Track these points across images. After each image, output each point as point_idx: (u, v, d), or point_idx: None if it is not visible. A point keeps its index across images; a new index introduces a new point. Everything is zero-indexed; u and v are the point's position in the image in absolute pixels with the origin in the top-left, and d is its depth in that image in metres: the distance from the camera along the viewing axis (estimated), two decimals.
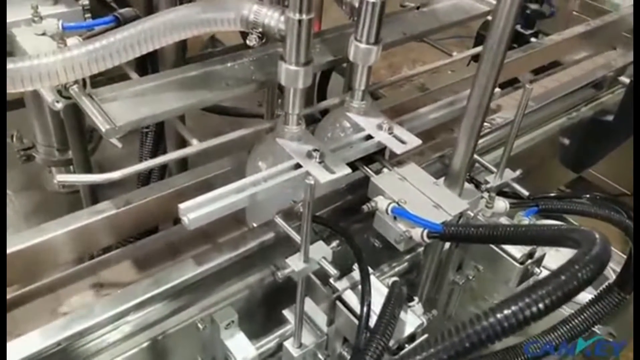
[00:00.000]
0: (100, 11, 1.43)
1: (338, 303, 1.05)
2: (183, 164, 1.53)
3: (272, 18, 1.08)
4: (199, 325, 1.06)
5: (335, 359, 1.12)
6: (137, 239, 1.25)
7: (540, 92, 1.79)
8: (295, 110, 1.10)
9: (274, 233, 1.11)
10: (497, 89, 1.12)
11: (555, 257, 1.17)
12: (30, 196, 1.84)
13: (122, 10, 1.30)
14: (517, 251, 1.16)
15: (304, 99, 1.10)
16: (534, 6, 2.12)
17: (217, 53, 2.18)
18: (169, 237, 1.22)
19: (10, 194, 1.82)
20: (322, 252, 1.01)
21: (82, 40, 1.14)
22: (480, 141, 1.14)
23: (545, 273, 1.19)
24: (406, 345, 1.00)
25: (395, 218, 1.09)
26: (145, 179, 1.62)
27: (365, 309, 0.98)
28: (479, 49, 1.44)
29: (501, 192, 1.29)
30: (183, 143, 1.41)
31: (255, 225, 1.16)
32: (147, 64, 1.47)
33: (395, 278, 1.09)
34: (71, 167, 1.70)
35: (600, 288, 0.99)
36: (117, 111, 1.07)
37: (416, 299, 1.08)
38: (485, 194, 1.22)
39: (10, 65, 0.97)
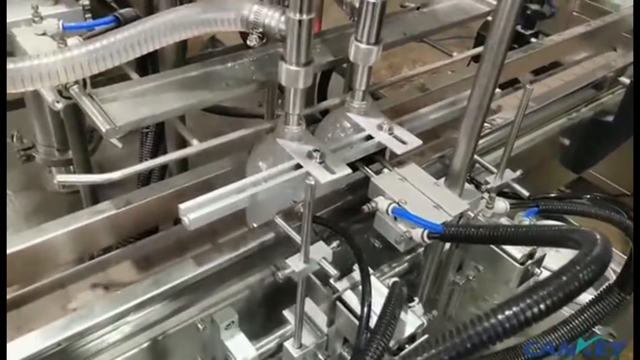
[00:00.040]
0: (101, 11, 1.43)
1: (338, 303, 1.05)
2: (183, 164, 1.53)
3: (272, 18, 1.08)
4: (199, 325, 1.06)
5: (335, 359, 1.12)
6: (137, 239, 1.25)
7: (541, 92, 1.79)
8: (296, 110, 1.10)
9: (274, 233, 1.11)
10: (498, 90, 1.12)
11: (555, 258, 1.17)
12: (30, 196, 1.84)
13: (122, 11, 1.30)
14: (517, 252, 1.16)
15: (304, 99, 1.10)
16: (534, 6, 2.12)
17: (217, 53, 2.18)
18: (169, 238, 1.22)
19: (10, 194, 1.82)
20: (322, 252, 1.01)
21: (82, 41, 1.14)
22: (480, 142, 1.14)
23: (545, 273, 1.19)
24: (406, 346, 1.00)
25: (395, 218, 1.09)
26: (145, 179, 1.62)
27: (365, 309, 0.98)
28: (479, 49, 1.44)
29: (501, 192, 1.28)
30: (183, 143, 1.41)
31: (255, 225, 1.16)
32: (148, 64, 1.47)
33: (395, 278, 1.08)
34: (71, 167, 1.70)
35: (601, 289, 0.99)
36: (117, 111, 1.07)
37: (416, 299, 1.08)
38: (486, 195, 1.22)
39: (10, 65, 0.97)
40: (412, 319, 1.03)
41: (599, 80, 1.92)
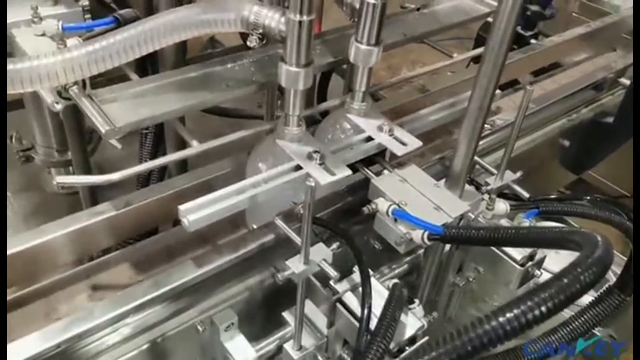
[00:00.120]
0: (100, 12, 1.42)
1: (338, 305, 1.05)
2: (183, 166, 1.53)
3: (272, 19, 1.08)
4: (199, 327, 1.06)
5: None
6: (136, 241, 1.24)
7: (541, 93, 1.79)
8: (296, 111, 1.10)
9: (274, 235, 1.11)
10: (497, 91, 1.12)
11: (555, 259, 1.17)
12: (29, 197, 1.84)
13: (122, 11, 1.30)
14: (517, 253, 1.16)
15: (304, 100, 1.10)
16: (534, 7, 2.12)
17: (216, 54, 2.18)
18: (168, 239, 1.22)
19: (9, 195, 1.82)
20: (322, 254, 1.01)
21: (82, 41, 1.14)
22: (480, 143, 1.14)
23: (545, 275, 1.19)
24: (407, 348, 1.00)
25: (395, 220, 1.09)
26: (144, 180, 1.61)
27: (366, 311, 0.98)
28: (479, 50, 1.44)
29: (501, 193, 1.28)
30: (183, 144, 1.41)
31: (255, 226, 1.15)
32: (147, 65, 1.47)
33: (395, 280, 1.08)
34: (70, 168, 1.70)
35: (601, 290, 0.99)
36: (117, 112, 1.07)
37: (416, 301, 1.08)
38: (486, 196, 1.22)
39: (9, 66, 0.97)
40: (412, 321, 1.02)
41: (599, 82, 1.92)
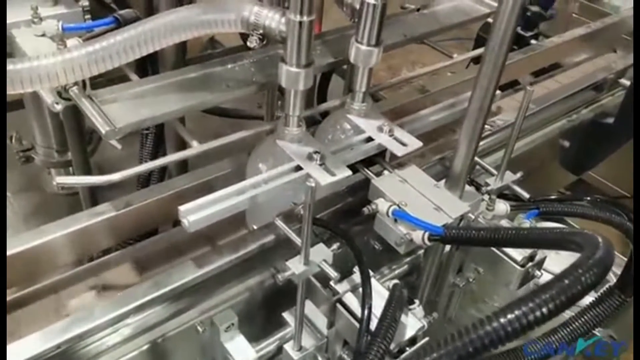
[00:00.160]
0: (100, 12, 1.42)
1: (338, 306, 1.05)
2: (183, 166, 1.53)
3: (272, 20, 1.08)
4: (199, 327, 1.06)
5: None
6: (136, 241, 1.24)
7: (541, 94, 1.79)
8: (296, 112, 1.10)
9: (274, 235, 1.11)
10: (498, 91, 1.12)
11: (555, 260, 1.17)
12: (29, 198, 1.83)
13: (122, 12, 1.30)
14: (517, 254, 1.16)
15: (304, 100, 1.10)
16: (534, 8, 2.12)
17: (216, 54, 2.18)
18: (168, 240, 1.22)
19: (9, 196, 1.81)
20: (322, 254, 1.01)
21: (82, 42, 1.14)
22: (480, 143, 1.14)
23: (546, 276, 1.19)
24: (407, 349, 1.00)
25: (395, 220, 1.09)
26: (145, 180, 1.61)
27: (366, 312, 0.98)
28: (479, 50, 1.43)
29: (502, 194, 1.28)
30: (183, 145, 1.41)
31: (255, 227, 1.15)
32: (147, 66, 1.47)
33: (395, 281, 1.08)
34: (70, 168, 1.70)
35: (601, 291, 0.99)
36: (117, 113, 1.07)
37: (417, 301, 1.07)
38: (486, 197, 1.22)
39: (9, 67, 0.97)
40: (412, 322, 1.02)
41: (599, 82, 1.92)
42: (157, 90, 1.16)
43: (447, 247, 1.24)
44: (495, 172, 1.28)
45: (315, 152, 1.08)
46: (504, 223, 1.20)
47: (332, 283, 1.04)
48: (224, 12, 1.09)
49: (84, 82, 1.07)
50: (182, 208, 0.96)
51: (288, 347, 1.06)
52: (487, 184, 1.26)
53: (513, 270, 1.16)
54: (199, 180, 1.21)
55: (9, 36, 1.24)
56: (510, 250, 1.16)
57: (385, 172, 1.20)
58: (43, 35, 1.23)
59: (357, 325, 0.99)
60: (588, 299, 0.97)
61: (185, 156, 1.21)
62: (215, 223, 0.99)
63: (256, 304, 1.15)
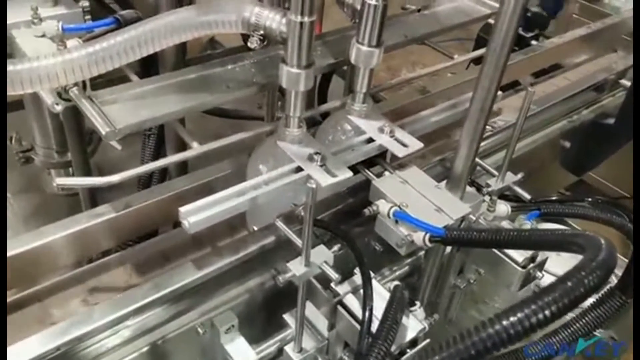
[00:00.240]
0: (100, 13, 1.42)
1: (339, 307, 1.05)
2: (183, 167, 1.52)
3: (273, 20, 1.08)
4: (199, 329, 1.06)
5: None
6: (136, 243, 1.24)
7: (541, 95, 1.78)
8: (297, 112, 1.10)
9: (274, 237, 1.10)
10: (499, 92, 1.12)
11: (557, 261, 1.17)
12: (29, 199, 1.83)
13: (122, 12, 1.29)
14: (519, 255, 1.16)
15: (305, 101, 1.10)
16: (535, 9, 2.12)
17: (216, 55, 2.18)
18: (169, 241, 1.21)
19: (9, 197, 1.81)
20: (323, 256, 1.00)
21: (82, 42, 1.13)
22: (481, 144, 1.13)
23: (547, 277, 1.19)
24: (408, 350, 1.00)
25: (396, 222, 1.08)
26: (146, 181, 1.61)
27: (367, 313, 0.98)
28: (481, 51, 1.43)
29: (503, 195, 1.28)
30: (183, 146, 1.41)
31: (255, 228, 1.15)
32: (148, 66, 1.47)
33: (396, 282, 1.08)
34: (70, 169, 1.70)
35: (602, 292, 0.99)
36: (117, 114, 1.06)
37: (418, 303, 1.07)
38: (487, 198, 1.22)
39: (9, 67, 0.97)
40: (413, 323, 1.02)
41: (599, 83, 1.92)
42: (158, 91, 1.15)
43: (448, 249, 1.24)
44: (496, 173, 1.28)
45: (316, 153, 1.08)
46: (505, 224, 1.20)
47: (332, 284, 1.04)
48: (225, 13, 1.08)
49: (84, 82, 1.07)
50: (182, 209, 0.95)
51: (288, 348, 1.06)
52: (488, 185, 1.26)
53: (514, 272, 1.16)
54: (199, 182, 1.20)
55: (8, 37, 1.23)
56: (511, 252, 1.16)
57: (386, 173, 1.19)
58: (43, 35, 1.23)
59: (358, 327, 0.99)
60: (589, 300, 0.97)
61: (185, 157, 1.21)
62: (215, 224, 0.99)
63: (256, 305, 1.15)
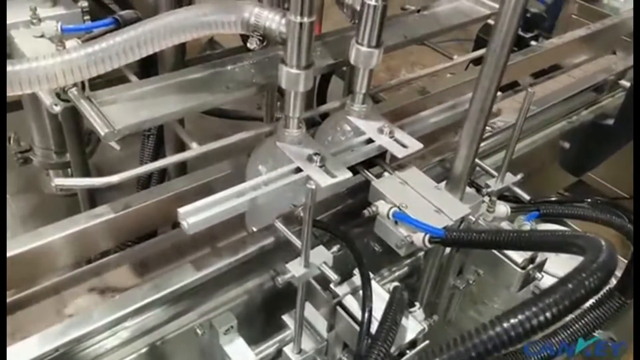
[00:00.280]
0: (99, 13, 1.42)
1: (338, 308, 1.04)
2: (182, 168, 1.52)
3: (273, 21, 1.08)
4: (198, 330, 1.05)
5: None
6: (135, 243, 1.24)
7: (541, 95, 1.78)
8: (296, 113, 1.09)
9: (274, 237, 1.10)
10: (498, 93, 1.12)
11: (556, 262, 1.17)
12: (27, 199, 1.83)
13: (121, 12, 1.29)
14: (518, 256, 1.16)
15: (304, 102, 1.10)
16: (534, 9, 2.11)
17: (216, 55, 2.17)
18: (167, 242, 1.21)
19: (7, 197, 1.81)
20: (322, 257, 1.00)
21: (81, 43, 1.13)
22: (481, 145, 1.13)
23: (546, 278, 1.19)
24: (407, 352, 1.00)
25: (396, 222, 1.08)
26: (145, 182, 1.61)
27: (366, 314, 0.97)
28: (481, 52, 1.43)
29: (502, 196, 1.28)
30: (182, 146, 1.40)
31: (255, 229, 1.15)
32: (147, 67, 1.46)
33: (396, 283, 1.08)
34: (69, 170, 1.70)
35: (601, 293, 0.99)
36: (116, 114, 1.06)
37: (417, 304, 1.07)
38: (487, 198, 1.22)
39: (8, 68, 0.96)
40: (413, 324, 1.02)
41: (599, 84, 1.91)
42: (157, 92, 1.15)
43: (448, 249, 1.24)
44: (495, 173, 1.28)
45: (316, 154, 1.08)
46: (505, 225, 1.20)
47: (332, 285, 1.04)
48: (224, 14, 1.08)
49: (82, 83, 1.06)
50: (181, 210, 0.95)
51: (288, 350, 1.05)
52: (487, 186, 1.25)
53: (514, 273, 1.16)
54: (198, 182, 1.20)
55: (7, 37, 1.23)
56: (510, 253, 1.16)
57: (386, 173, 1.19)
58: (42, 36, 1.23)
59: (358, 328, 0.98)
60: (588, 301, 0.97)
61: (184, 158, 1.21)
62: (214, 225, 0.98)
63: (255, 306, 1.15)
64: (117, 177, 1.07)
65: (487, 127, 1.18)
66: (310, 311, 1.08)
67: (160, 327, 1.02)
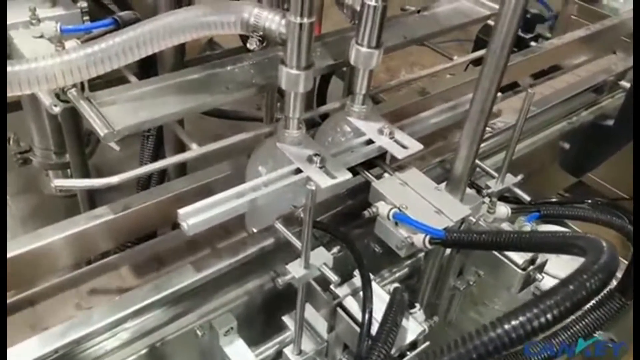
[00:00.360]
0: (99, 14, 1.42)
1: (339, 309, 1.04)
2: (182, 169, 1.52)
3: (272, 21, 1.08)
4: (198, 331, 1.05)
5: None
6: (135, 244, 1.23)
7: (541, 96, 1.78)
8: (296, 114, 1.09)
9: (274, 239, 1.10)
10: (499, 93, 1.11)
11: (556, 263, 1.17)
12: (27, 200, 1.82)
13: (121, 13, 1.29)
14: (519, 257, 1.15)
15: (304, 102, 1.09)
16: (534, 10, 2.11)
17: (215, 56, 2.17)
18: (168, 243, 1.21)
19: (7, 198, 1.80)
20: (322, 258, 1.00)
21: (80, 43, 1.13)
22: (481, 146, 1.13)
23: (547, 279, 1.19)
24: (408, 353, 0.99)
25: (396, 224, 1.08)
26: (145, 183, 1.60)
27: (367, 316, 0.97)
28: (481, 52, 1.43)
29: (502, 197, 1.28)
30: (182, 147, 1.40)
31: (255, 230, 1.15)
32: (146, 67, 1.46)
33: (396, 284, 1.08)
34: (68, 170, 1.69)
35: (602, 294, 0.98)
36: (116, 115, 1.06)
37: (417, 305, 1.07)
38: (487, 199, 1.22)
39: (7, 69, 0.96)
40: (413, 326, 1.02)
41: (599, 84, 1.92)
42: (156, 92, 1.15)
43: (448, 250, 1.24)
44: (495, 174, 1.28)
45: (316, 155, 1.07)
46: (505, 226, 1.20)
47: (332, 287, 1.04)
48: (224, 14, 1.08)
49: (82, 84, 1.06)
50: (181, 211, 0.95)
51: (288, 351, 1.05)
52: (487, 187, 1.25)
53: (514, 274, 1.16)
54: (198, 183, 1.20)
55: (6, 37, 1.23)
56: (511, 254, 1.16)
57: (386, 174, 1.19)
58: (41, 36, 1.22)
59: (358, 329, 0.98)
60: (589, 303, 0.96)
61: (184, 159, 1.21)
62: (214, 226, 0.98)
63: (255, 307, 1.15)
64: (116, 178, 1.07)
65: (487, 128, 1.18)
66: (310, 312, 1.08)
67: (160, 328, 1.02)
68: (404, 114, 1.45)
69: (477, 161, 1.21)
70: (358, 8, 1.11)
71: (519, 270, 1.15)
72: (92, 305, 1.07)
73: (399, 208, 1.08)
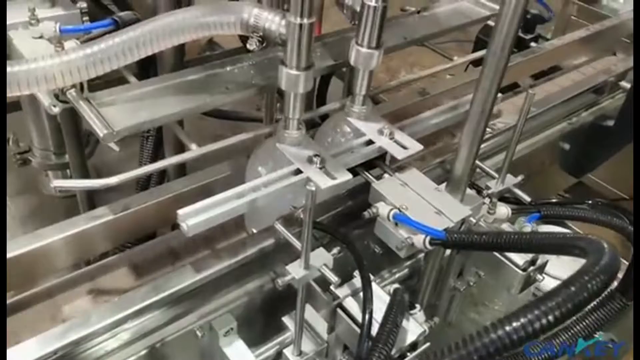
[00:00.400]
0: (98, 14, 1.41)
1: (339, 310, 1.04)
2: (181, 169, 1.52)
3: (272, 22, 1.07)
4: (198, 332, 1.05)
5: None
6: (134, 245, 1.23)
7: (541, 97, 1.78)
8: (296, 114, 1.09)
9: (273, 239, 1.10)
10: (499, 94, 1.11)
11: (557, 264, 1.17)
12: (26, 200, 1.82)
13: (120, 13, 1.29)
14: (519, 258, 1.15)
15: (304, 103, 1.09)
16: (534, 11, 2.11)
17: (215, 56, 2.17)
18: (167, 243, 1.21)
19: (6, 199, 1.80)
20: (322, 258, 1.00)
21: (79, 44, 1.13)
22: (481, 146, 1.13)
23: (547, 280, 1.19)
24: (408, 354, 0.99)
25: (396, 224, 1.08)
26: (144, 183, 1.60)
27: (367, 316, 0.97)
28: (480, 53, 1.43)
29: (503, 197, 1.27)
30: (181, 147, 1.40)
31: (254, 231, 1.14)
32: (146, 68, 1.46)
33: (396, 285, 1.07)
34: (68, 171, 1.69)
35: (602, 294, 0.98)
36: (115, 115, 1.06)
37: (418, 306, 1.07)
38: (487, 200, 1.21)
39: (7, 69, 0.96)
40: (413, 327, 1.02)
41: (599, 85, 1.91)
42: (156, 93, 1.15)
43: (448, 251, 1.24)
44: (496, 175, 1.27)
45: (315, 156, 1.07)
46: (505, 227, 1.20)
47: (332, 287, 1.03)
48: (224, 15, 1.08)
49: (81, 84, 1.06)
50: (180, 212, 0.95)
51: (288, 351, 1.05)
52: (488, 187, 1.25)
53: (514, 274, 1.16)
54: (197, 184, 1.20)
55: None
56: (511, 254, 1.16)
57: (386, 175, 1.19)
58: (40, 37, 1.22)
59: (358, 330, 0.98)
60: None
61: (184, 159, 1.21)
62: (214, 227, 0.98)
63: (255, 308, 1.14)
64: (116, 178, 1.06)
65: (487, 129, 1.18)
66: (310, 313, 1.07)
67: (159, 329, 1.02)
68: (404, 114, 1.45)
69: (477, 162, 1.21)
70: (358, 8, 1.11)
71: (520, 271, 1.15)
72: (90, 306, 1.07)
73: (399, 209, 1.08)
